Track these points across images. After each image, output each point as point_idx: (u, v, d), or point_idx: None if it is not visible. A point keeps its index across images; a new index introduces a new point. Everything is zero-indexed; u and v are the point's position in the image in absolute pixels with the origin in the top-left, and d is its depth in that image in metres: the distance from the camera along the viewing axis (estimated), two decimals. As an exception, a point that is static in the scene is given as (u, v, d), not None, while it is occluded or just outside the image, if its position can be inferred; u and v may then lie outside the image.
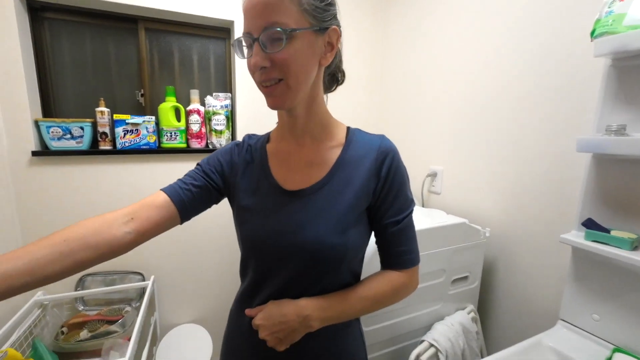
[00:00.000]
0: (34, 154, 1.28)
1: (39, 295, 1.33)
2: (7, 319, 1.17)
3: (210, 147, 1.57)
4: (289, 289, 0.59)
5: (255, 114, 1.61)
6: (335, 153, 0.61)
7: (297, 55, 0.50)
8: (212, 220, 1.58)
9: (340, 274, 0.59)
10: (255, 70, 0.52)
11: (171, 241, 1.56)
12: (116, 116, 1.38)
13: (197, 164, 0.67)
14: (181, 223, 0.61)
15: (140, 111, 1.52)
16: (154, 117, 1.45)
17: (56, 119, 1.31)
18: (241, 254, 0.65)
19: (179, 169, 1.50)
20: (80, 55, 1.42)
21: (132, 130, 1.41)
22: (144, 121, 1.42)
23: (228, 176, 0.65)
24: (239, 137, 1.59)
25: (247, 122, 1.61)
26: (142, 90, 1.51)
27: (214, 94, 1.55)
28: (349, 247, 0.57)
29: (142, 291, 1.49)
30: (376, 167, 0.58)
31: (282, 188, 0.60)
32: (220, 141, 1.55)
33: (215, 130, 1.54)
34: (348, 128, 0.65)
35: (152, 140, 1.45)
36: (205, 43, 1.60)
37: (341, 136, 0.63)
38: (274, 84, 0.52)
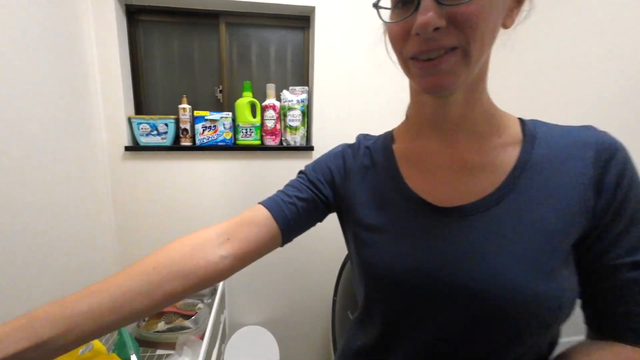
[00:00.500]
0: (127, 148, 1.29)
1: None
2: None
3: (285, 144, 1.40)
4: (445, 356, 0.37)
5: (334, 109, 1.38)
6: (512, 153, 0.40)
7: (489, 9, 0.32)
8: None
9: (537, 342, 0.37)
10: (424, 30, 0.32)
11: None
12: (196, 113, 1.31)
13: (300, 172, 0.52)
14: (282, 245, 0.48)
15: (219, 107, 1.44)
16: (230, 113, 1.34)
17: (145, 116, 1.29)
18: (361, 289, 0.46)
19: (253, 168, 1.40)
20: (168, 54, 1.39)
21: (210, 126, 1.33)
22: (221, 117, 1.33)
23: (340, 186, 0.49)
24: (315, 135, 1.39)
25: (324, 117, 1.39)
26: (220, 86, 1.41)
27: (290, 87, 1.37)
28: (565, 300, 0.35)
29: (214, 288, 1.41)
30: (595, 174, 0.36)
31: (428, 203, 0.41)
32: (295, 138, 1.37)
33: (290, 127, 1.36)
34: (521, 119, 0.43)
35: (228, 137, 1.35)
36: (284, 34, 1.44)
37: (514, 130, 0.41)
38: (443, 55, 0.34)
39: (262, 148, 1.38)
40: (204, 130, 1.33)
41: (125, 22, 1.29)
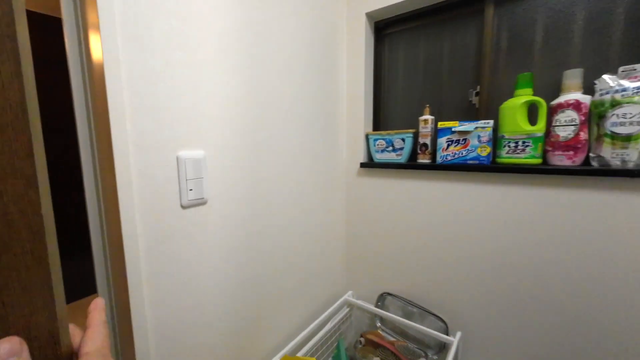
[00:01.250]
0: (362, 165, 1.15)
1: (349, 295, 1.22)
2: (324, 309, 1.12)
3: (595, 164, 0.76)
4: None
5: None
6: None
7: None
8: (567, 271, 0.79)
9: None
10: None
11: (491, 288, 0.95)
12: (441, 124, 0.96)
13: None
14: None
15: (471, 115, 1.01)
16: (491, 122, 0.88)
17: (382, 132, 1.11)
18: None
19: (525, 199, 0.84)
20: (412, 62, 1.15)
21: (458, 140, 0.94)
22: (476, 128, 0.91)
23: None
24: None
25: None
26: (478, 87, 0.98)
27: (620, 69, 0.72)
28: None
29: (443, 344, 1.02)
30: None
31: None
32: (626, 154, 0.70)
33: (614, 136, 0.71)
34: None
35: (483, 154, 0.91)
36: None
37: None
38: None
39: (547, 170, 0.82)
40: (448, 145, 0.97)
41: (373, 42, 1.17)
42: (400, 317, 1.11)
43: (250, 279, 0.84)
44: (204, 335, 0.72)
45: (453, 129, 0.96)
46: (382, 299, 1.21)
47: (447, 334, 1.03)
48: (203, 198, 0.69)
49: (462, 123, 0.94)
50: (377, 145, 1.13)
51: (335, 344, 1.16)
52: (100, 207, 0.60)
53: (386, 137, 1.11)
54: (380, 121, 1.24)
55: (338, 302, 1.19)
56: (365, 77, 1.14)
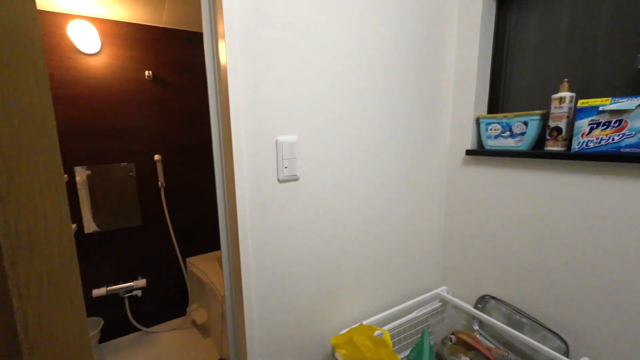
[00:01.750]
0: (468, 152, 1.05)
1: (442, 289, 1.17)
2: (409, 299, 1.13)
3: None
4: None
5: None
6: None
7: None
8: None
9: None
10: None
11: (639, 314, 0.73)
12: (582, 102, 0.77)
13: None
14: None
15: (634, 90, 0.75)
16: (667, 96, 0.64)
17: (497, 115, 0.97)
18: None
19: None
20: (551, 28, 0.91)
21: (608, 122, 0.73)
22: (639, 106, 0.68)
23: None
24: None
25: None
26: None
27: None
28: None
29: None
30: None
31: None
32: None
33: None
34: None
35: (647, 141, 0.67)
36: None
37: None
38: None
39: None
40: (591, 129, 0.76)
41: (494, 10, 1.00)
42: (505, 325, 0.99)
43: (332, 254, 0.95)
44: (291, 292, 0.89)
45: (601, 108, 0.74)
46: (483, 302, 1.10)
47: (568, 357, 0.85)
48: (295, 175, 0.83)
49: (616, 100, 0.71)
50: (490, 130, 1.00)
51: (418, 335, 1.16)
52: (223, 179, 0.84)
53: (502, 120, 0.96)
54: (499, 103, 1.07)
55: (428, 295, 1.16)
56: (480, 53, 1.00)
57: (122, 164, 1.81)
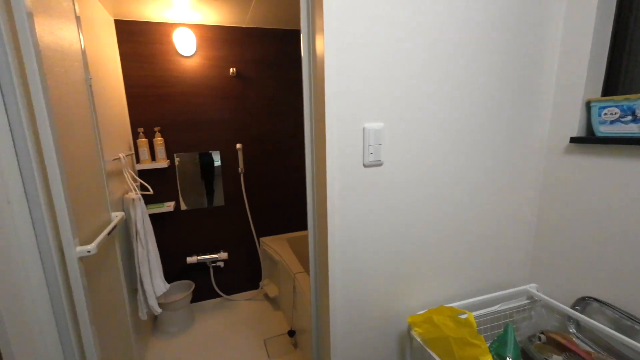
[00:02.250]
0: (573, 140, 0.96)
1: (532, 287, 1.11)
2: (492, 291, 1.10)
3: None
4: None
5: None
6: None
7: None
8: None
9: None
10: None
11: None
12: None
13: None
14: None
15: None
16: None
17: (616, 97, 0.86)
18: None
19: None
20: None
21: None
22: None
23: None
24: None
25: None
26: None
27: None
28: None
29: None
30: None
31: None
32: None
33: None
34: None
35: None
36: None
37: None
38: None
39: None
40: None
41: None
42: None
43: (412, 238, 0.96)
44: (370, 271, 0.93)
45: None
46: (583, 304, 1.00)
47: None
48: (380, 160, 0.86)
49: None
50: (605, 114, 0.89)
51: (500, 330, 1.12)
52: (313, 162, 0.91)
53: (622, 103, 0.85)
54: (618, 84, 0.94)
55: (514, 290, 1.10)
56: (596, 26, 0.88)
57: (210, 151, 2.08)
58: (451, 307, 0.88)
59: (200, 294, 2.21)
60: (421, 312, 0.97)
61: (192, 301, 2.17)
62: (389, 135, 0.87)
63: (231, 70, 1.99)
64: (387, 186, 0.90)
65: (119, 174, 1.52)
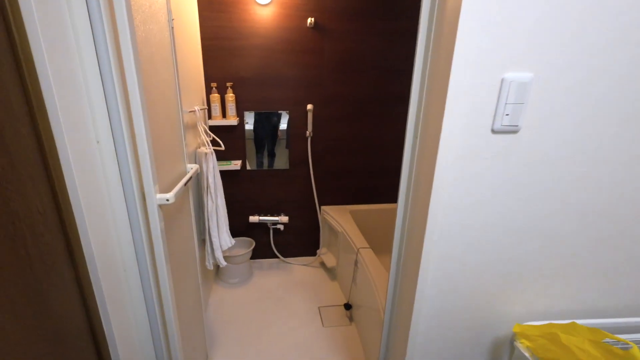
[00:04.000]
0: None
1: None
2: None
3: None
4: None
5: None
6: None
7: None
8: None
9: None
10: None
11: None
12: None
13: None
14: None
15: None
16: None
17: None
18: None
19: None
20: None
21: None
22: None
23: None
24: None
25: None
26: None
27: None
28: None
29: None
30: None
31: None
32: None
33: None
34: None
35: None
36: None
37: None
38: None
39: None
40: None
41: None
42: None
43: (541, 231, 0.74)
44: (475, 262, 0.76)
45: None
46: None
47: None
48: (517, 126, 0.64)
49: None
50: None
51: None
52: (419, 118, 0.72)
53: None
54: None
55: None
56: None
57: (280, 111, 1.99)
58: (596, 328, 0.65)
59: (259, 252, 2.29)
60: (535, 323, 0.77)
61: (251, 258, 2.27)
62: (538, 91, 0.63)
63: (309, 20, 1.80)
64: (522, 160, 0.68)
65: (193, 127, 1.53)
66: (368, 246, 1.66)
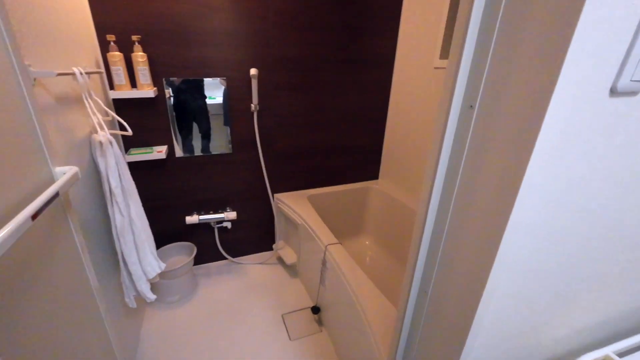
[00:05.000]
0: None
1: None
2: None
3: None
4: None
5: None
6: None
7: None
8: None
9: None
10: None
11: None
12: None
13: None
14: None
15: None
16: None
17: None
18: None
19: None
20: None
21: None
22: None
23: None
24: None
25: None
26: None
27: None
28: None
29: None
30: None
31: None
32: None
33: None
34: None
35: None
36: None
37: None
38: None
39: None
40: None
41: None
42: None
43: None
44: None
45: None
46: None
47: None
48: None
49: None
50: None
51: None
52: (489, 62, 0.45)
53: None
54: None
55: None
56: None
57: (215, 78, 1.52)
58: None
59: (203, 256, 1.89)
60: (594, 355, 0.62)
61: (195, 264, 1.87)
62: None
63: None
64: (630, 133, 0.45)
65: (76, 101, 1.01)
66: (337, 241, 1.41)
